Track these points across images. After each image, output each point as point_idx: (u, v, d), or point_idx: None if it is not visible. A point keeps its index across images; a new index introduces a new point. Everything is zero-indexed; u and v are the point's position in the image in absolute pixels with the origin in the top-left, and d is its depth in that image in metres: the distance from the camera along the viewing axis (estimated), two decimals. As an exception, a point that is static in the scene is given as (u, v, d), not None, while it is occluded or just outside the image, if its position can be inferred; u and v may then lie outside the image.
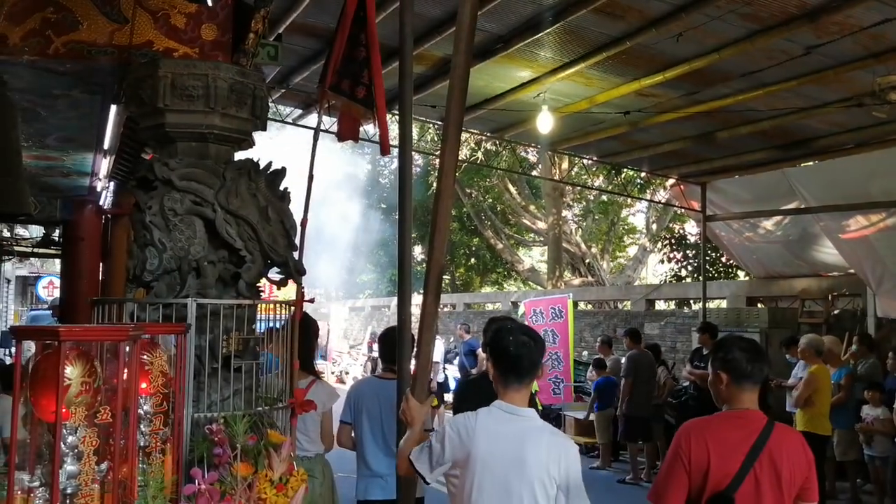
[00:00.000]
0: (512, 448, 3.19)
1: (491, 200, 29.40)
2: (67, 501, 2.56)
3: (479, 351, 14.37)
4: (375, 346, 21.34)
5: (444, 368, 17.39)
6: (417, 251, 30.06)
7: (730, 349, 3.57)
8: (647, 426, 11.23)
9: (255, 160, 4.11)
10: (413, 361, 4.05)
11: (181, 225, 3.86)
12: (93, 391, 2.55)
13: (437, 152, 19.60)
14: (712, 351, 3.79)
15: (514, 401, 3.32)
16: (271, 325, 4.15)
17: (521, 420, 3.28)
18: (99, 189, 9.40)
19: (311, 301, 4.43)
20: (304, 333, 4.79)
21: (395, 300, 22.92)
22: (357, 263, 35.57)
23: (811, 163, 13.35)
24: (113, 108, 5.57)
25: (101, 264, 10.42)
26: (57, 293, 18.32)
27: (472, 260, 33.82)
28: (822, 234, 13.15)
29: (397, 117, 10.09)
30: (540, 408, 14.51)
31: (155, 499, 2.61)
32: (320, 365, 11.62)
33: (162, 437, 3.15)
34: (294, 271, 4.13)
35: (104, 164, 7.99)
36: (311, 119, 12.25)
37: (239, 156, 4.31)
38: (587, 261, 27.29)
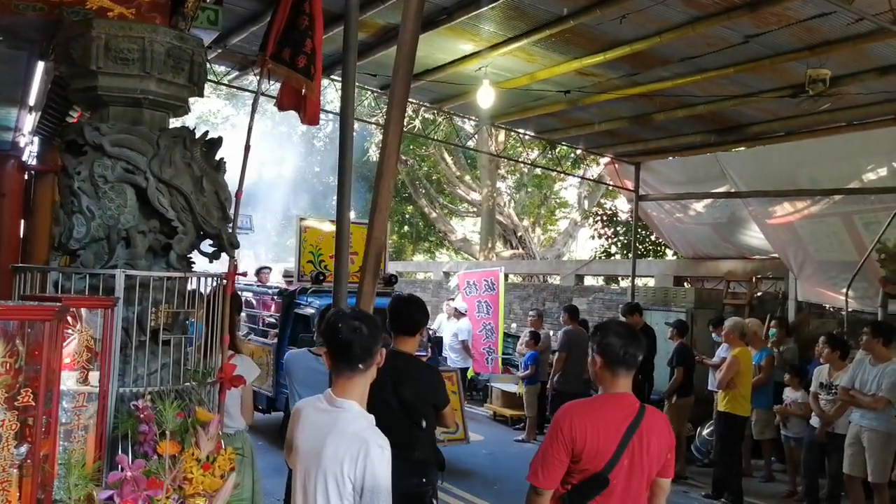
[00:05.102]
0: (316, 438, 3.10)
1: (426, 169, 29.25)
2: (-16, 485, 2.46)
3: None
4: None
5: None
6: (353, 216, 29.78)
7: (606, 333, 3.66)
8: (577, 402, 11.30)
9: (192, 128, 3.98)
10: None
11: (111, 192, 3.73)
12: (13, 371, 2.45)
13: (374, 119, 19.46)
14: (593, 333, 3.81)
15: (345, 390, 3.16)
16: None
17: (335, 412, 3.13)
18: (22, 145, 9.07)
19: (244, 274, 4.34)
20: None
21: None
22: (288, 227, 35.12)
23: (742, 148, 13.57)
24: (40, 65, 5.36)
25: (22, 221, 10.08)
26: (-26, 244, 17.69)
27: (406, 227, 33.70)
28: (749, 219, 13.46)
29: (337, 83, 9.93)
30: (471, 375, 14.81)
31: (77, 486, 2.51)
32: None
33: (85, 416, 3.05)
34: (227, 244, 4.02)
35: (29, 120, 7.72)
36: (247, 80, 11.96)
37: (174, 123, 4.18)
38: (519, 233, 27.41)
